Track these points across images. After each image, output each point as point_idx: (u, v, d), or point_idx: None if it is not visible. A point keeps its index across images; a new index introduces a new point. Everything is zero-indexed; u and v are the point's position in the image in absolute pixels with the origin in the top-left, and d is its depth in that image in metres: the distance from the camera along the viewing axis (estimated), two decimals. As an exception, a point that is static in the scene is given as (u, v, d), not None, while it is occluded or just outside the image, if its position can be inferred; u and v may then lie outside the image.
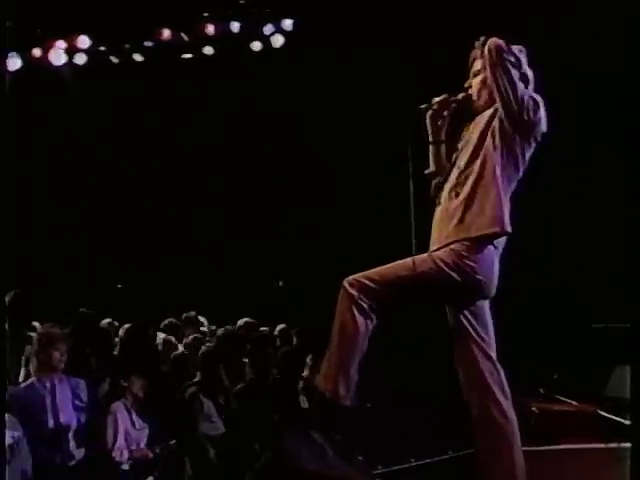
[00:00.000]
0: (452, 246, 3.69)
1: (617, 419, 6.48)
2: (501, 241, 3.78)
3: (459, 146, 3.94)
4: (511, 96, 3.65)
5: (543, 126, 3.74)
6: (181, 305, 8.60)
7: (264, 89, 10.28)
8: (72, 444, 4.85)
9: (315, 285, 10.86)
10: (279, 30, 9.82)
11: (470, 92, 3.93)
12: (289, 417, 5.63)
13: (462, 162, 3.81)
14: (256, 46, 9.98)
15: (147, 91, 10.22)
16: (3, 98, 5.90)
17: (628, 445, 3.92)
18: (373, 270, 3.76)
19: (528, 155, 3.77)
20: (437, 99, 3.96)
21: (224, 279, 10.77)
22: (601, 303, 8.99)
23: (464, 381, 3.86)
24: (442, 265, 3.66)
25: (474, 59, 3.95)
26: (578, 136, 8.07)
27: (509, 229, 3.69)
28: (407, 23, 9.16)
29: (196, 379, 5.90)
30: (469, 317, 3.81)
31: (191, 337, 7.07)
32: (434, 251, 3.75)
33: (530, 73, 3.83)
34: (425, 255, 3.74)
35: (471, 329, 3.79)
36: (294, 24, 9.75)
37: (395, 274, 3.70)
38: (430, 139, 4.01)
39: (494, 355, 3.84)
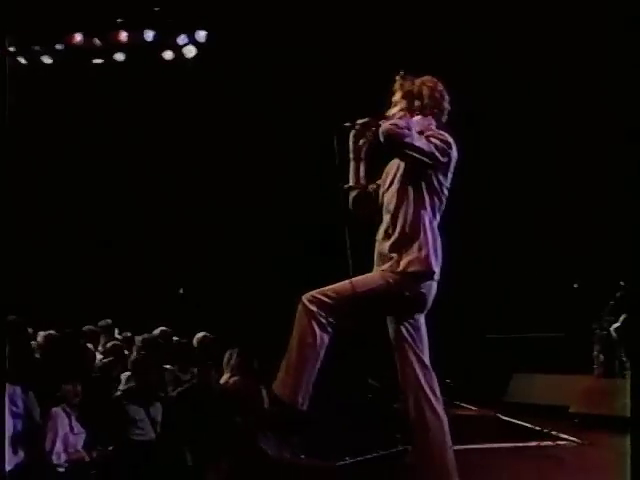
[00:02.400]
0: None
1: (516, 422, 7.05)
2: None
3: (385, 174, 4.26)
4: (424, 158, 3.97)
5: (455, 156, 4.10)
6: (83, 312, 8.59)
7: (172, 98, 10.38)
8: (10, 450, 4.90)
9: (216, 293, 11.14)
10: (192, 41, 9.97)
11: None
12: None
13: (391, 206, 4.13)
14: (168, 55, 10.10)
15: (54, 94, 10.10)
16: None
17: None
18: (328, 287, 4.09)
19: (448, 182, 4.16)
20: (360, 121, 4.20)
21: (127, 287, 10.75)
22: (495, 315, 9.66)
23: (402, 384, 4.25)
24: (391, 282, 4.03)
25: (395, 90, 4.31)
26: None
27: (434, 269, 4.03)
28: (319, 41, 9.55)
29: (127, 385, 5.98)
30: (408, 328, 4.19)
31: (110, 344, 7.10)
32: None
33: (447, 105, 4.24)
34: (376, 273, 4.10)
35: (410, 339, 4.18)
36: (208, 36, 9.92)
37: (349, 290, 4.01)
38: (351, 156, 4.30)
39: (428, 361, 4.24)
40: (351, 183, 4.33)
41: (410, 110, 4.16)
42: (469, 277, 8.83)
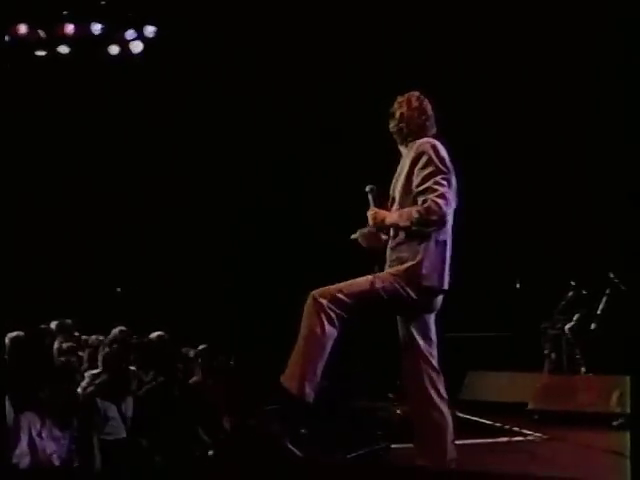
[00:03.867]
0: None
1: (477, 419, 7.15)
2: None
3: (395, 179, 4.35)
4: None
5: None
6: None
7: (116, 94, 10.17)
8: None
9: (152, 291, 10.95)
10: (140, 36, 9.79)
11: (370, 187, 4.38)
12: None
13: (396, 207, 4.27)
14: (114, 50, 9.88)
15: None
16: None
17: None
18: (338, 284, 4.14)
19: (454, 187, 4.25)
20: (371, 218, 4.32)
21: (68, 286, 10.46)
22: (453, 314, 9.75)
23: (408, 384, 4.31)
24: (395, 284, 4.08)
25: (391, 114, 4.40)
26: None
27: (428, 283, 4.11)
28: (269, 37, 9.52)
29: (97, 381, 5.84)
30: (417, 328, 4.27)
31: (67, 345, 6.91)
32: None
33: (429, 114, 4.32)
34: (385, 273, 4.13)
35: (418, 339, 4.26)
36: (156, 32, 9.76)
37: (359, 288, 4.09)
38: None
39: (435, 362, 4.29)
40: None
41: (403, 137, 4.27)
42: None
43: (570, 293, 7.95)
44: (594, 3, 7.86)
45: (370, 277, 4.14)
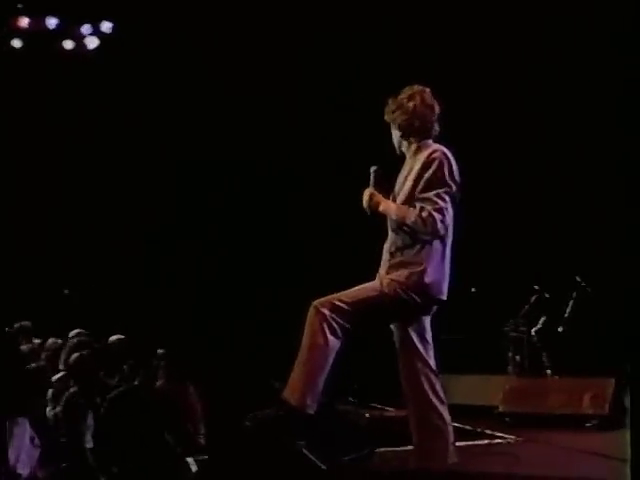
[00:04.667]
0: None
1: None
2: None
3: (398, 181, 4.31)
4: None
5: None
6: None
7: (68, 89, 9.90)
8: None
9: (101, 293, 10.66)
10: (96, 32, 9.55)
11: (374, 168, 4.33)
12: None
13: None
14: (68, 45, 9.61)
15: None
16: None
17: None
18: (340, 293, 4.09)
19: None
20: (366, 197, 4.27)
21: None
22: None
23: (407, 388, 4.27)
24: (404, 289, 4.03)
25: (386, 112, 4.33)
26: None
27: (431, 291, 4.08)
28: (228, 36, 9.40)
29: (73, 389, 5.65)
30: (415, 332, 4.23)
31: (28, 347, 6.67)
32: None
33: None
34: (387, 280, 4.10)
35: (417, 342, 4.22)
36: (113, 28, 9.53)
37: (363, 297, 4.05)
38: None
39: (433, 364, 4.26)
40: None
41: (410, 127, 4.19)
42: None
43: (534, 297, 8.03)
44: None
45: (372, 285, 4.11)
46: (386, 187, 4.27)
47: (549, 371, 7.53)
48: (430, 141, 4.21)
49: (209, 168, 10.04)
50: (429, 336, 4.29)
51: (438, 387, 4.26)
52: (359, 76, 9.11)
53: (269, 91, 9.43)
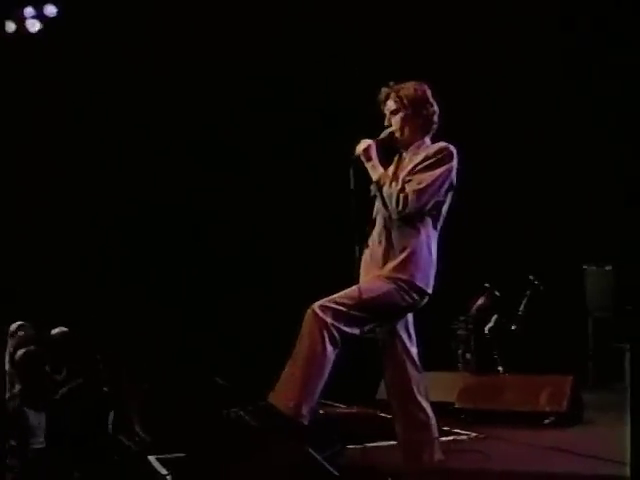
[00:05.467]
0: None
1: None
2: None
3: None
4: None
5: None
6: None
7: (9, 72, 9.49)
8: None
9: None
10: (39, 15, 9.19)
11: (392, 129, 4.25)
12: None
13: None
14: (10, 27, 9.22)
15: None
16: None
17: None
18: (338, 295, 3.97)
19: (449, 196, 4.19)
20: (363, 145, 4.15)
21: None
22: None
23: (391, 384, 4.23)
24: (402, 287, 3.99)
25: (385, 99, 4.24)
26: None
27: (417, 280, 4.06)
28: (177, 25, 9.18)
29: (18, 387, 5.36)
30: (402, 329, 4.20)
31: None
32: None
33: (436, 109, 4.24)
34: (382, 277, 4.01)
35: (404, 339, 4.22)
36: (58, 12, 9.18)
37: (358, 297, 3.95)
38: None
39: (417, 358, 4.24)
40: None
41: (414, 117, 4.08)
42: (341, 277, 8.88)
43: (484, 294, 8.12)
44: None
45: (371, 285, 4.02)
46: (385, 156, 4.17)
47: (501, 368, 7.62)
48: (428, 139, 4.18)
49: (157, 158, 9.75)
50: (412, 329, 4.28)
51: (422, 383, 4.25)
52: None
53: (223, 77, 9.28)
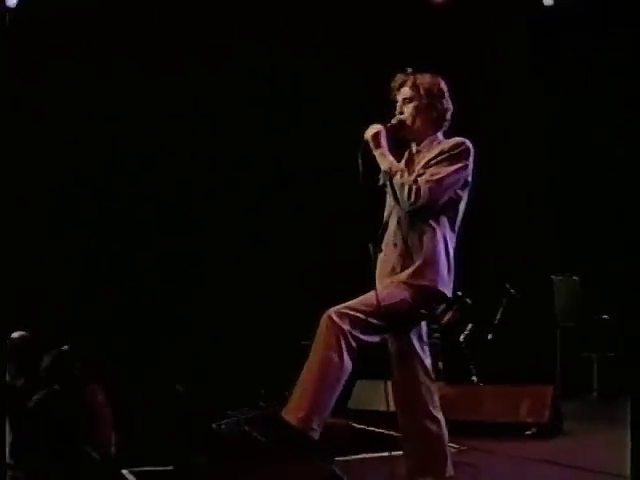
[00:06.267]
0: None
1: (370, 429, 6.98)
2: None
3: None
4: None
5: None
6: None
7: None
8: None
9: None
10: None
11: (403, 117, 4.03)
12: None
13: (401, 214, 3.92)
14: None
15: None
16: None
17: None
18: (355, 302, 3.74)
19: (466, 194, 4.02)
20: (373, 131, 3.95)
21: None
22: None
23: (402, 395, 4.02)
24: (420, 293, 3.80)
25: (400, 87, 4.06)
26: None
27: (438, 286, 3.85)
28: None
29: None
30: (416, 335, 4.00)
31: None
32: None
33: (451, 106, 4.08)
34: (400, 283, 3.82)
35: (418, 349, 4.01)
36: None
37: (376, 305, 3.70)
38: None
39: (430, 365, 4.06)
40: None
41: (428, 109, 3.92)
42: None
43: (452, 308, 8.00)
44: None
45: (391, 293, 3.78)
46: (395, 145, 3.97)
47: (475, 378, 7.50)
48: (441, 134, 4.02)
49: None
50: (426, 338, 4.10)
51: (436, 394, 4.07)
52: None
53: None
